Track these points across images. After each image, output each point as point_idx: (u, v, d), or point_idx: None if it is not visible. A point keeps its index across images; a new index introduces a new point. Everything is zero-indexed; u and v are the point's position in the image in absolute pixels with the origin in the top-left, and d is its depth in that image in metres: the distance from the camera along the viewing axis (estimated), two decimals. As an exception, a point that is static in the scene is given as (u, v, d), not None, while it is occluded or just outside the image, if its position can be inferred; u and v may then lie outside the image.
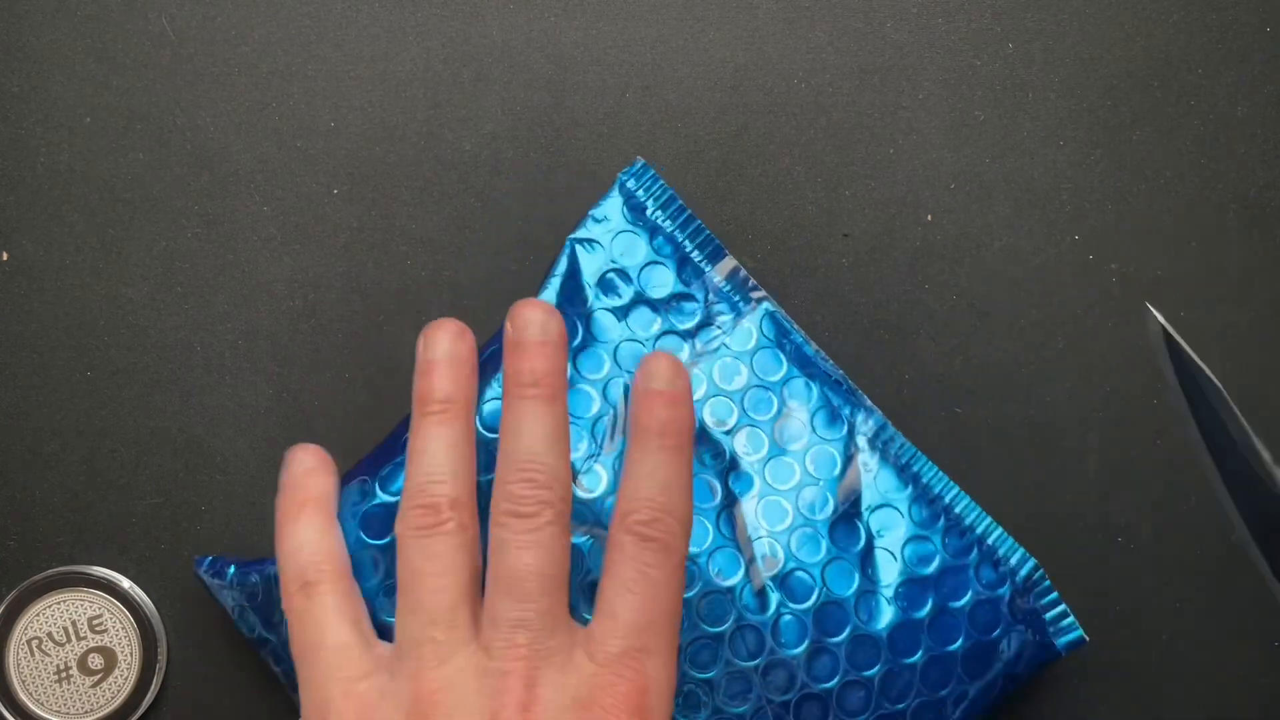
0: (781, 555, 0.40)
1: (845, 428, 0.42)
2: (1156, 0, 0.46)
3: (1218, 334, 0.45)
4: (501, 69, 0.45)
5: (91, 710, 0.44)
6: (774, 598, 0.40)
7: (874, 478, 0.41)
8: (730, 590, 0.40)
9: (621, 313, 0.41)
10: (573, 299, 0.42)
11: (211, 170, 0.45)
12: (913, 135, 0.45)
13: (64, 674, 0.44)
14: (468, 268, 0.45)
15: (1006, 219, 0.45)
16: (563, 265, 0.42)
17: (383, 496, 0.40)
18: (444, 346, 0.38)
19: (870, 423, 0.42)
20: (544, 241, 0.45)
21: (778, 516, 0.41)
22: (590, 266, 0.42)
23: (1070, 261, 0.45)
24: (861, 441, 0.42)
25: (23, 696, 0.44)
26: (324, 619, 0.37)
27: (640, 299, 0.42)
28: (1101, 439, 0.45)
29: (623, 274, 0.42)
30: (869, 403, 0.42)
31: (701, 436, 0.41)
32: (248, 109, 0.45)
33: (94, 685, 0.44)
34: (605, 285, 0.42)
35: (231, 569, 0.41)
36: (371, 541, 0.40)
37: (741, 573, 0.40)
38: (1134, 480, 0.45)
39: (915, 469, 0.42)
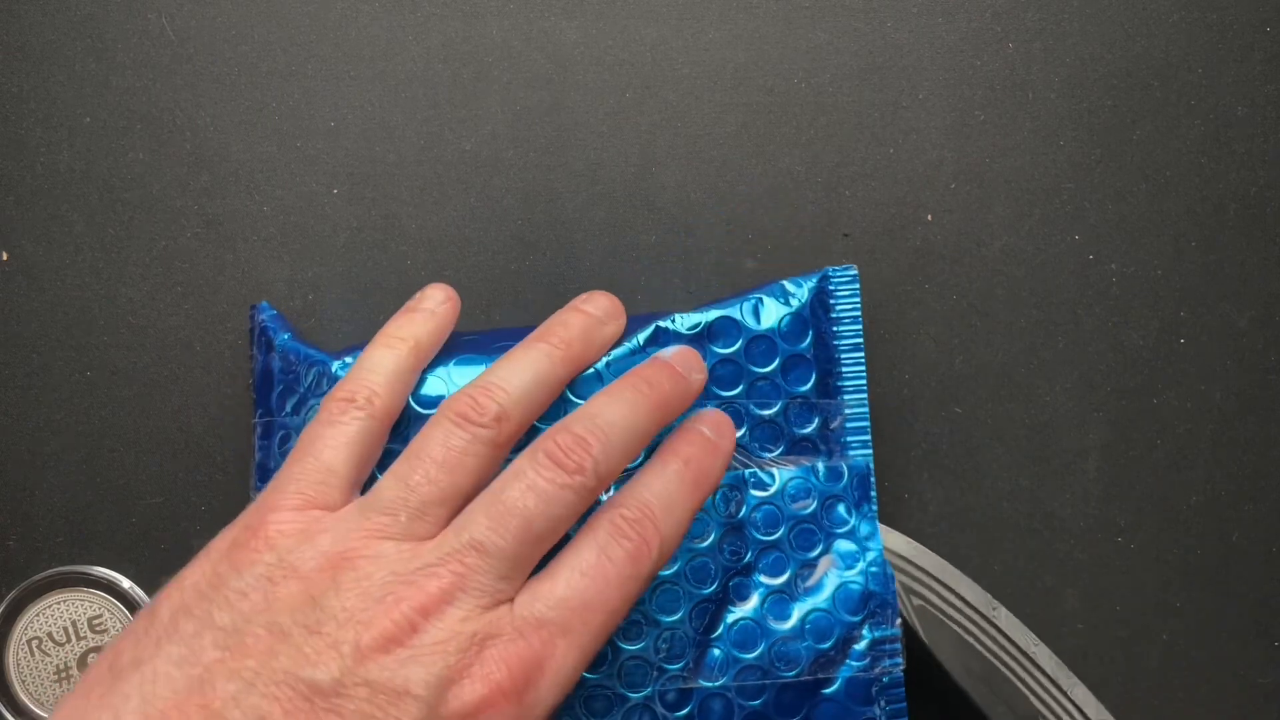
0: (724, 679, 0.39)
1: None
2: (1156, 0, 0.46)
3: (1218, 334, 0.45)
4: (501, 69, 0.45)
5: (91, 710, 0.44)
6: (691, 707, 0.39)
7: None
8: (661, 671, 0.39)
9: (749, 378, 0.41)
10: (720, 337, 0.41)
11: (211, 170, 0.45)
12: (913, 135, 0.45)
13: (64, 674, 0.44)
14: (468, 268, 0.45)
15: (1006, 219, 0.45)
16: (737, 305, 0.41)
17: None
18: (597, 307, 0.39)
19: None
20: (544, 241, 0.45)
21: (751, 643, 0.39)
22: (756, 322, 0.41)
23: (1070, 261, 0.45)
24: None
25: (23, 696, 0.44)
26: (338, 437, 0.36)
27: (771, 380, 0.41)
28: (1101, 439, 0.45)
29: (777, 345, 0.41)
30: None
31: (738, 528, 0.40)
32: (248, 109, 0.45)
33: (94, 685, 0.44)
34: (758, 348, 0.41)
35: (287, 335, 0.41)
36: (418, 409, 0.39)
37: (683, 666, 0.39)
38: (1134, 480, 0.45)
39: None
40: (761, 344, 0.41)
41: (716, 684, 0.39)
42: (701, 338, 0.41)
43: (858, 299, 0.42)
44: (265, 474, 0.41)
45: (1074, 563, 0.45)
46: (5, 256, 0.45)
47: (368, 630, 0.31)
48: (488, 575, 0.33)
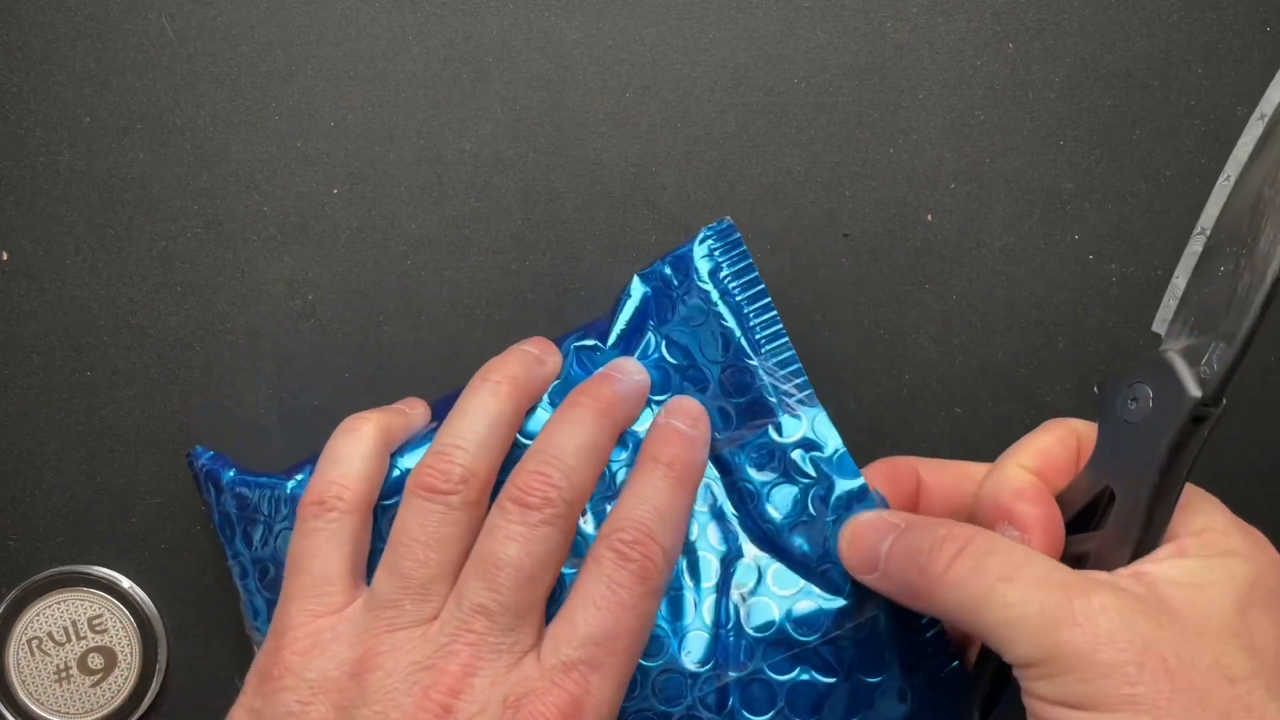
0: (752, 662, 0.39)
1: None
2: (1156, 0, 0.46)
3: (1218, 334, 0.45)
4: (501, 69, 0.45)
5: (91, 710, 0.44)
6: (732, 701, 0.38)
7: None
8: (693, 676, 0.38)
9: (675, 371, 0.41)
10: (631, 341, 0.41)
11: (211, 170, 0.45)
12: (913, 135, 0.45)
13: (64, 674, 0.44)
14: (468, 268, 0.45)
15: (1006, 219, 0.45)
16: (631, 306, 0.41)
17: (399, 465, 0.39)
18: (533, 346, 0.39)
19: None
20: (544, 242, 0.45)
21: (764, 621, 0.39)
22: (654, 312, 0.41)
23: (1070, 261, 0.45)
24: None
25: (23, 696, 0.44)
26: (321, 544, 0.36)
27: (693, 364, 0.41)
28: (1101, 439, 0.45)
29: (684, 329, 0.41)
30: None
31: (720, 515, 0.40)
32: (248, 109, 0.45)
33: (94, 685, 0.44)
34: (667, 340, 0.41)
35: (231, 472, 0.41)
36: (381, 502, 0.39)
37: (711, 665, 0.39)
38: (1134, 480, 0.45)
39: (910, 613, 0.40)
40: (671, 332, 0.41)
41: (746, 672, 0.39)
42: (619, 348, 0.41)
43: (743, 246, 0.41)
44: (256, 611, 0.40)
45: (1074, 563, 0.45)
46: (5, 256, 0.45)
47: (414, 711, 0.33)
48: (498, 634, 0.34)
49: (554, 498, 0.36)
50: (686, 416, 0.38)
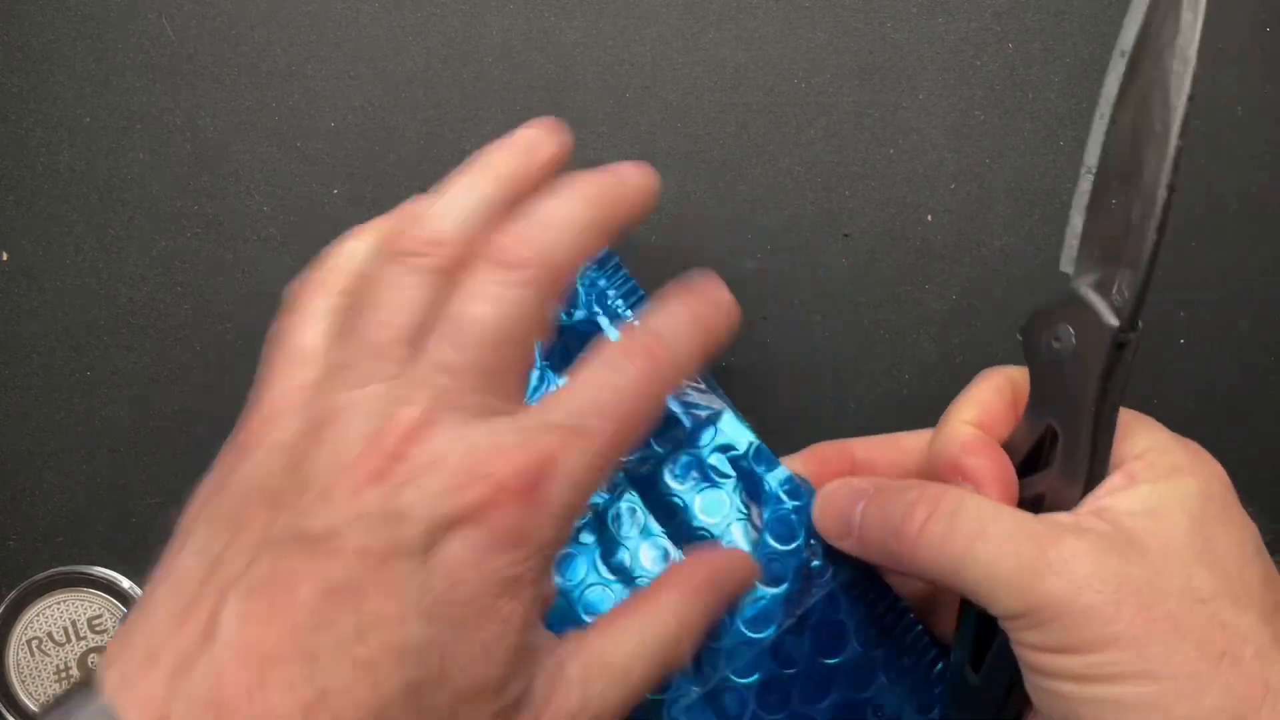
0: (715, 674, 0.38)
1: (801, 536, 0.39)
2: (1156, 0, 0.46)
3: (1218, 334, 0.45)
4: (501, 69, 0.45)
5: (91, 710, 0.44)
6: (703, 715, 0.39)
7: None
8: (657, 702, 0.38)
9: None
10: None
11: (211, 170, 0.45)
12: (913, 135, 0.45)
13: (64, 674, 0.44)
14: (468, 268, 0.45)
15: (1006, 219, 0.45)
16: None
17: None
18: (536, 128, 0.36)
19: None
20: (544, 241, 0.45)
21: (717, 629, 0.38)
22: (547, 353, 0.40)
23: (1070, 261, 0.45)
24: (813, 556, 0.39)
25: (23, 696, 0.44)
26: (314, 317, 0.34)
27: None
28: (1101, 439, 0.45)
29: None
30: None
31: (648, 534, 0.40)
32: (248, 109, 0.45)
33: (94, 685, 0.44)
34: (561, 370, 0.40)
35: None
36: None
37: (674, 688, 0.38)
38: (1134, 480, 0.45)
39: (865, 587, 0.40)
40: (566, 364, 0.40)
41: (711, 684, 0.39)
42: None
43: (624, 270, 0.41)
44: None
45: (1074, 563, 0.45)
46: (5, 256, 0.45)
47: (354, 472, 0.30)
48: (464, 392, 0.31)
49: (534, 259, 0.32)
50: (715, 291, 0.35)
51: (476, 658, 0.30)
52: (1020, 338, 0.36)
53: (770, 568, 0.39)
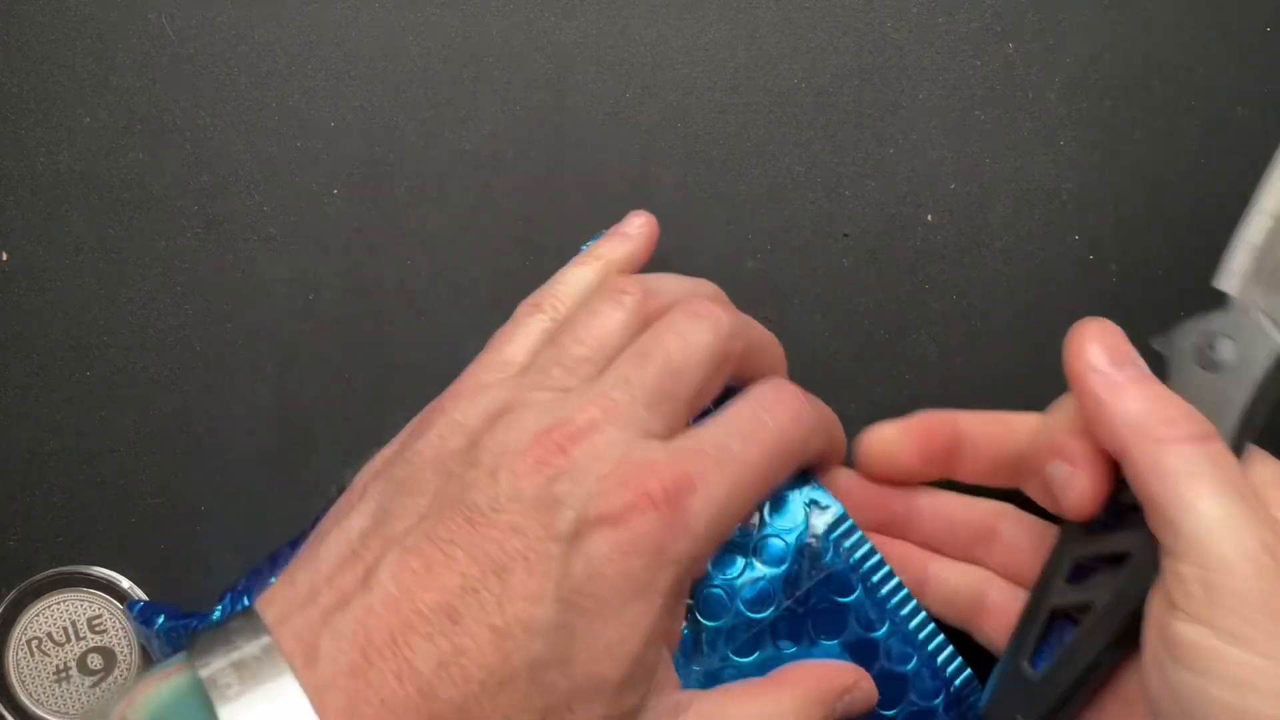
0: (715, 654, 0.38)
1: (802, 516, 0.39)
2: (1156, 0, 0.46)
3: (1218, 334, 0.45)
4: (501, 69, 0.45)
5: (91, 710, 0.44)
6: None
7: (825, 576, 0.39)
8: None
9: None
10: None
11: (211, 170, 0.45)
12: (913, 135, 0.45)
13: (63, 674, 0.44)
14: (468, 268, 0.45)
15: (1006, 219, 0.45)
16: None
17: None
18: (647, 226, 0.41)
19: (828, 515, 0.39)
20: (544, 241, 0.45)
21: (718, 609, 0.38)
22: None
23: (1070, 261, 0.45)
24: (814, 537, 0.39)
25: (22, 696, 0.44)
26: (516, 335, 0.37)
27: None
28: (1101, 439, 0.45)
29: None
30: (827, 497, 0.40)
31: None
32: (248, 109, 0.45)
33: (94, 685, 0.44)
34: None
35: (161, 619, 0.40)
36: None
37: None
38: (1134, 480, 0.45)
39: (866, 568, 0.39)
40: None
41: (714, 665, 0.38)
42: None
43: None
44: None
45: (1074, 563, 0.45)
46: (5, 256, 0.45)
47: (521, 457, 0.33)
48: (634, 405, 0.34)
49: (722, 319, 0.36)
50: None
51: (600, 653, 0.32)
52: (1157, 346, 0.37)
53: (769, 546, 0.38)
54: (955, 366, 0.45)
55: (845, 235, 0.45)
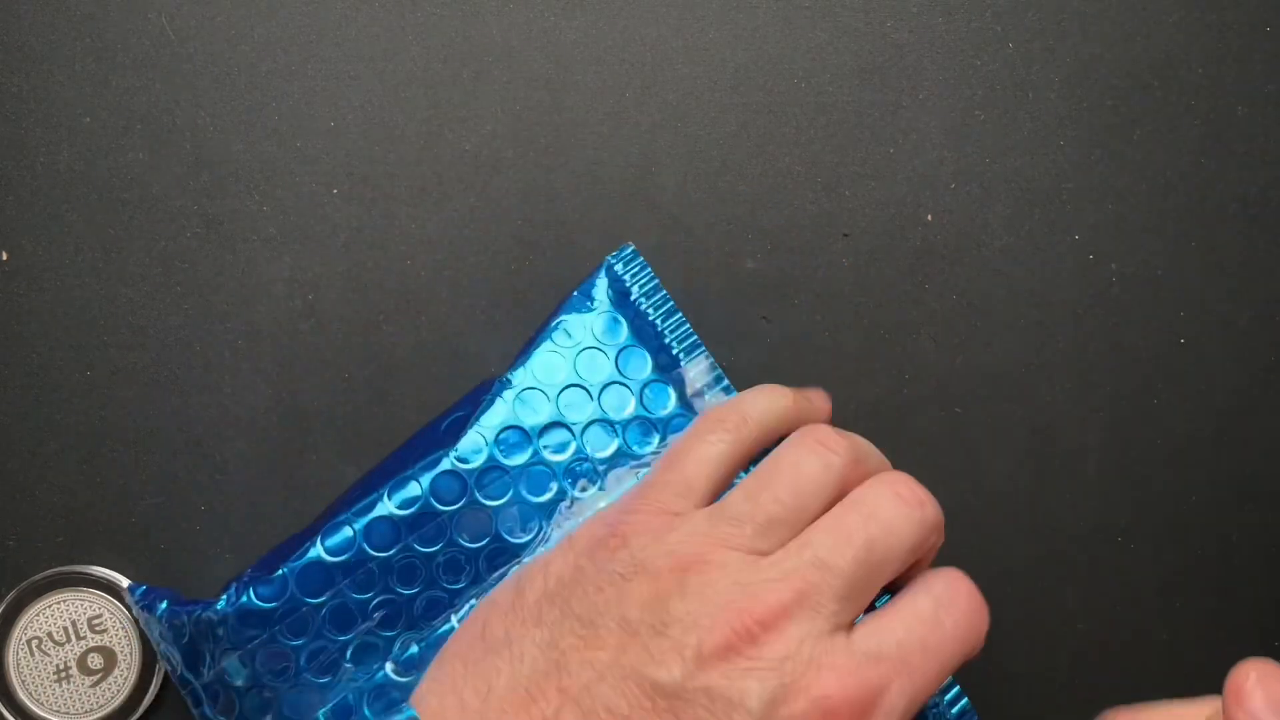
0: None
1: None
2: (1156, 0, 0.46)
3: (1218, 334, 0.45)
4: (501, 69, 0.45)
5: (91, 710, 0.44)
6: None
7: None
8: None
9: (596, 390, 0.41)
10: (551, 372, 0.41)
11: (211, 170, 0.45)
12: (913, 135, 0.45)
13: (64, 674, 0.44)
14: (468, 268, 0.45)
15: (1006, 219, 0.45)
16: (549, 337, 0.41)
17: (389, 508, 0.39)
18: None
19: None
20: (544, 241, 0.45)
21: None
22: (571, 341, 0.41)
23: (1070, 261, 0.45)
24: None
25: (23, 696, 0.44)
26: (700, 453, 0.37)
27: (616, 382, 0.41)
28: (1101, 439, 0.45)
29: (602, 352, 0.41)
30: None
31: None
32: (248, 109, 0.45)
33: (94, 685, 0.44)
34: (587, 363, 0.41)
35: (164, 604, 0.40)
36: (373, 553, 0.39)
37: None
38: (1134, 480, 0.45)
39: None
40: (588, 356, 0.41)
41: None
42: (543, 377, 0.41)
43: (648, 270, 0.41)
44: None
45: (1074, 563, 0.45)
46: (5, 256, 0.45)
47: (709, 636, 0.32)
48: (827, 594, 0.34)
49: (928, 508, 0.36)
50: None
51: None
52: None
53: None
54: (955, 366, 0.45)
55: (845, 235, 0.45)
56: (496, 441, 0.40)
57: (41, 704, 0.44)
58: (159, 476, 0.45)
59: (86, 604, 0.44)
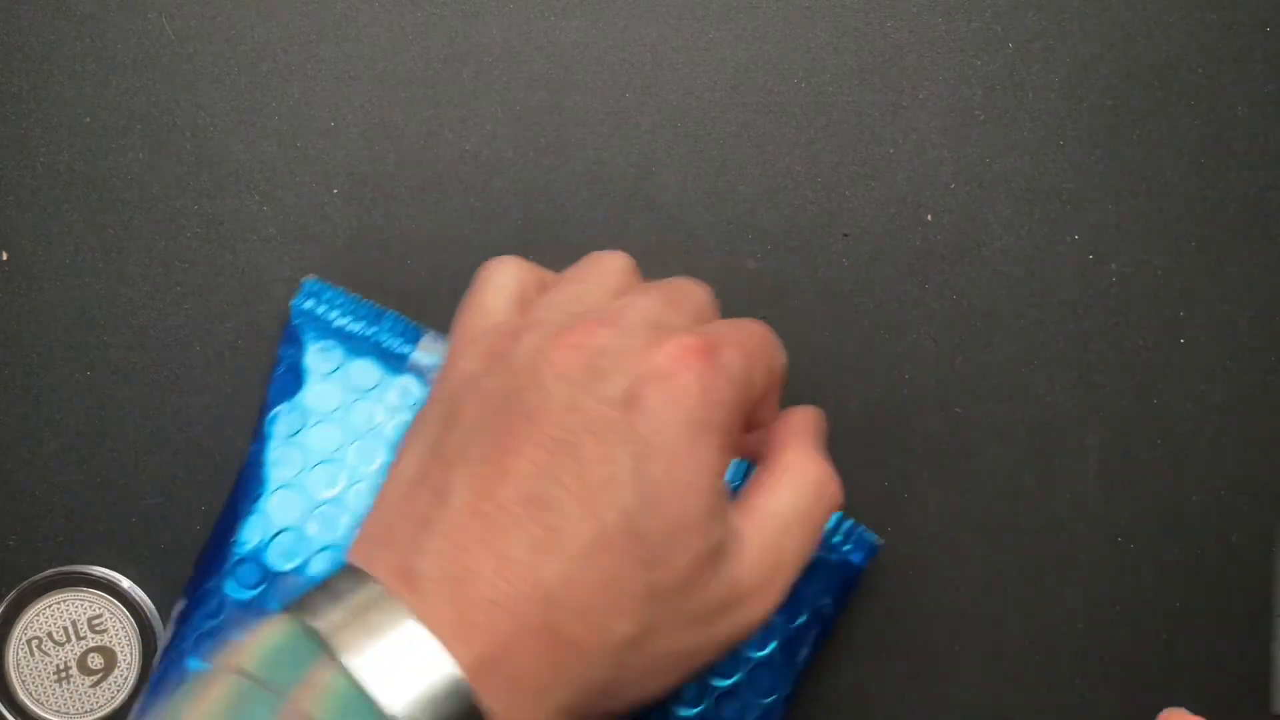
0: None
1: None
2: (1156, 0, 0.46)
3: (1218, 334, 0.45)
4: (501, 69, 0.45)
5: (91, 710, 0.44)
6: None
7: None
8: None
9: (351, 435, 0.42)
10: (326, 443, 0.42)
11: (211, 170, 0.45)
12: (913, 135, 0.45)
13: (64, 674, 0.44)
14: (468, 268, 0.45)
15: (1006, 219, 0.45)
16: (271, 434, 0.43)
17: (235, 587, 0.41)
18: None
19: None
20: (544, 241, 0.45)
21: None
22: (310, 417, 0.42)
23: (1070, 261, 0.45)
24: None
25: (23, 696, 0.44)
26: (495, 284, 0.38)
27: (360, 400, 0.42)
28: (1101, 439, 0.45)
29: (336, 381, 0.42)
30: None
31: None
32: (248, 109, 0.45)
33: (94, 685, 0.44)
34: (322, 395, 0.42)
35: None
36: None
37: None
38: (1134, 480, 0.45)
39: None
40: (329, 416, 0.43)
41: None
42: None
43: (340, 292, 0.43)
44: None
45: (1074, 563, 0.45)
46: (5, 256, 0.45)
47: (554, 349, 0.33)
48: (655, 304, 0.35)
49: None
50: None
51: (682, 492, 0.33)
52: None
53: None
54: (955, 366, 0.45)
55: (845, 235, 0.45)
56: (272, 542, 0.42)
57: (41, 704, 0.44)
58: (159, 476, 0.45)
59: (86, 604, 0.44)
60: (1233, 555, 0.45)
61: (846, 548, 0.42)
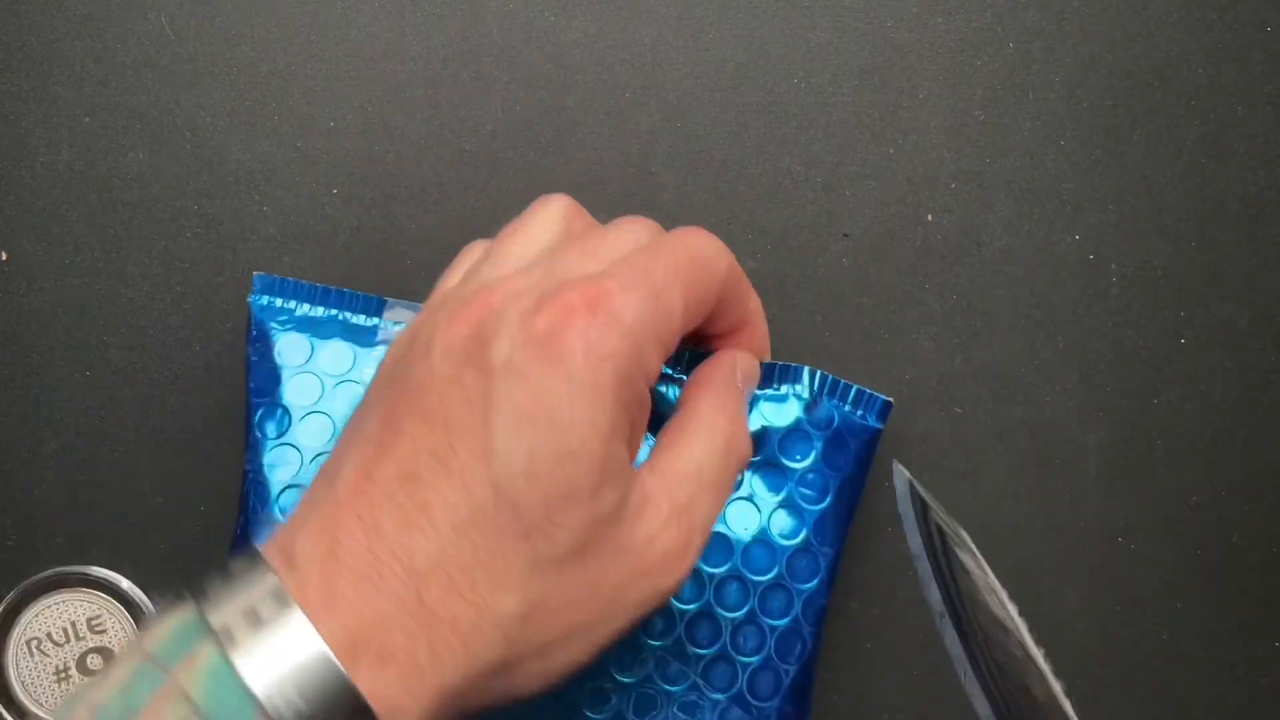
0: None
1: None
2: (1156, 0, 0.46)
3: (1218, 334, 0.45)
4: (501, 69, 0.45)
5: (91, 710, 0.44)
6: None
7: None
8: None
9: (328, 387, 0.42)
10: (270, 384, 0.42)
11: (211, 170, 0.45)
12: (913, 135, 0.45)
13: (63, 674, 0.44)
14: (468, 268, 0.45)
15: (1006, 219, 0.45)
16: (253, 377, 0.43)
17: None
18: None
19: None
20: (544, 241, 0.45)
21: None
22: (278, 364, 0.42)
23: (1070, 261, 0.45)
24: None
25: (22, 696, 0.44)
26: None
27: (348, 380, 0.42)
28: (1101, 439, 0.45)
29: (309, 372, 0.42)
30: None
31: None
32: (248, 109, 0.45)
33: (94, 685, 0.44)
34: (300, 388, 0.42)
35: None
36: None
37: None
38: (1134, 480, 0.45)
39: None
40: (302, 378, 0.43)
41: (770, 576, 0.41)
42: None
43: (289, 282, 0.43)
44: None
45: (1074, 563, 0.45)
46: (5, 256, 0.45)
47: (447, 326, 0.33)
48: (571, 254, 0.35)
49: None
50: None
51: (563, 459, 0.32)
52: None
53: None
54: (954, 366, 0.45)
55: (845, 235, 0.45)
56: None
57: (41, 704, 0.44)
58: (159, 476, 0.45)
59: (86, 604, 0.44)
60: (1233, 555, 0.45)
61: (860, 413, 0.42)
